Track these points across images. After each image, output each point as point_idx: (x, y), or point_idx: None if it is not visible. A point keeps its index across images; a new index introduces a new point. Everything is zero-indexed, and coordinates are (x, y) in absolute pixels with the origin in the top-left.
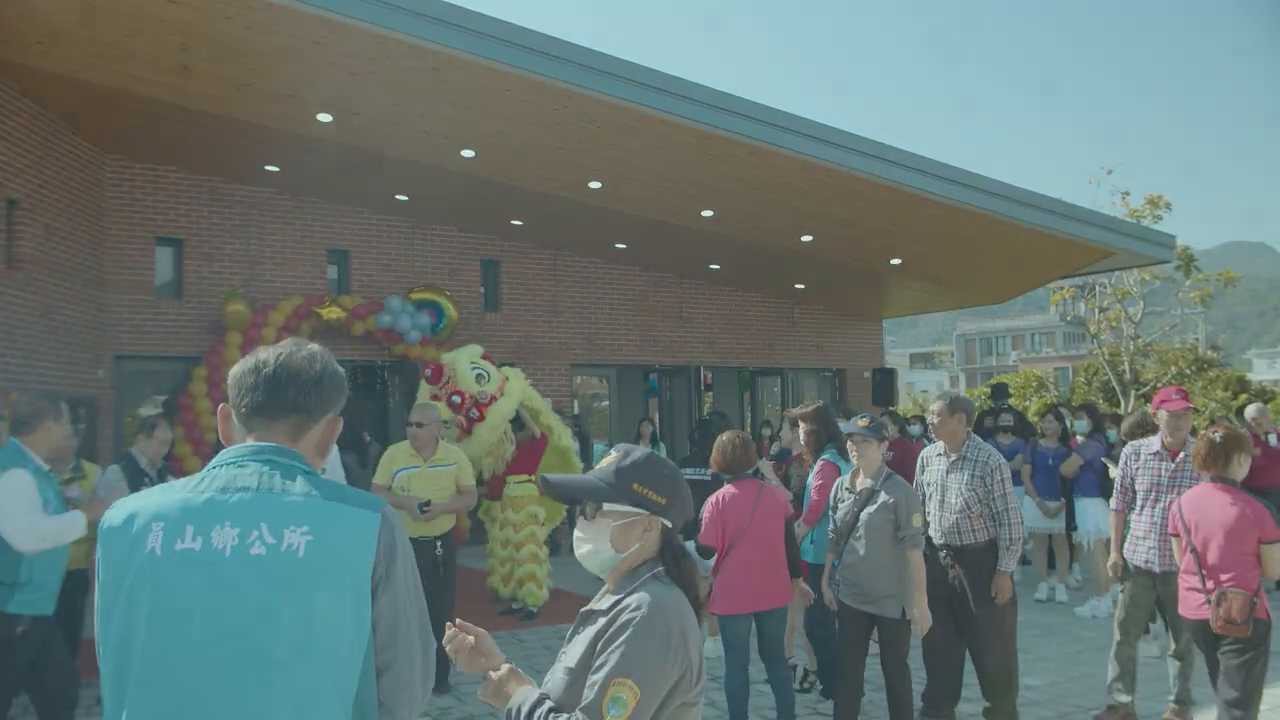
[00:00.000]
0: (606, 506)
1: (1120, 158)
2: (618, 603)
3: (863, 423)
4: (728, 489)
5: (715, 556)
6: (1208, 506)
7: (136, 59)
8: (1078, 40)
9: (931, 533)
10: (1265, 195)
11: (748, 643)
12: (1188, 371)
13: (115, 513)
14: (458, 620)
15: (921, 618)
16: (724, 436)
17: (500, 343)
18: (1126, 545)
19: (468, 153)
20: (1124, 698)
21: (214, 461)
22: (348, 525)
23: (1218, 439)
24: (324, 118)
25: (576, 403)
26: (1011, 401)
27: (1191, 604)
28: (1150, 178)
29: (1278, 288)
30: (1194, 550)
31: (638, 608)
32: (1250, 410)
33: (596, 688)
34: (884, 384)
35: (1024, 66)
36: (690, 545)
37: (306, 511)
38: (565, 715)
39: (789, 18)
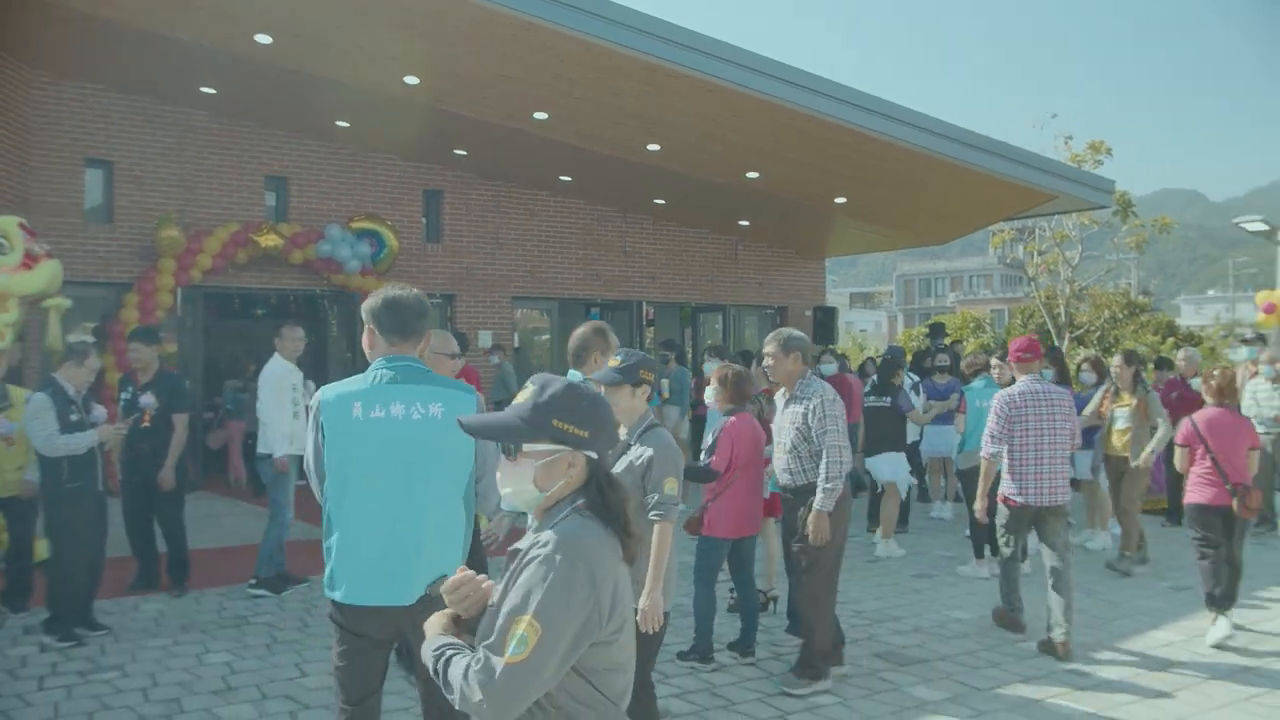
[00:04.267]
0: (526, 447)
1: (1062, 103)
2: (535, 539)
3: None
4: (734, 420)
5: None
6: (1222, 425)
7: None
8: None
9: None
10: (1200, 146)
11: (719, 565)
12: (1120, 315)
13: (329, 394)
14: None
15: (652, 610)
16: (728, 370)
17: (442, 273)
18: (1015, 486)
19: (411, 79)
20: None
21: (374, 365)
22: (461, 400)
23: (1231, 374)
24: (262, 39)
25: (517, 335)
26: (947, 341)
27: (1208, 494)
28: (1091, 122)
29: (1208, 235)
30: (1212, 455)
31: (544, 545)
32: (1181, 355)
33: (499, 626)
34: (825, 322)
35: (971, 10)
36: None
37: (437, 394)
38: (465, 656)
39: None
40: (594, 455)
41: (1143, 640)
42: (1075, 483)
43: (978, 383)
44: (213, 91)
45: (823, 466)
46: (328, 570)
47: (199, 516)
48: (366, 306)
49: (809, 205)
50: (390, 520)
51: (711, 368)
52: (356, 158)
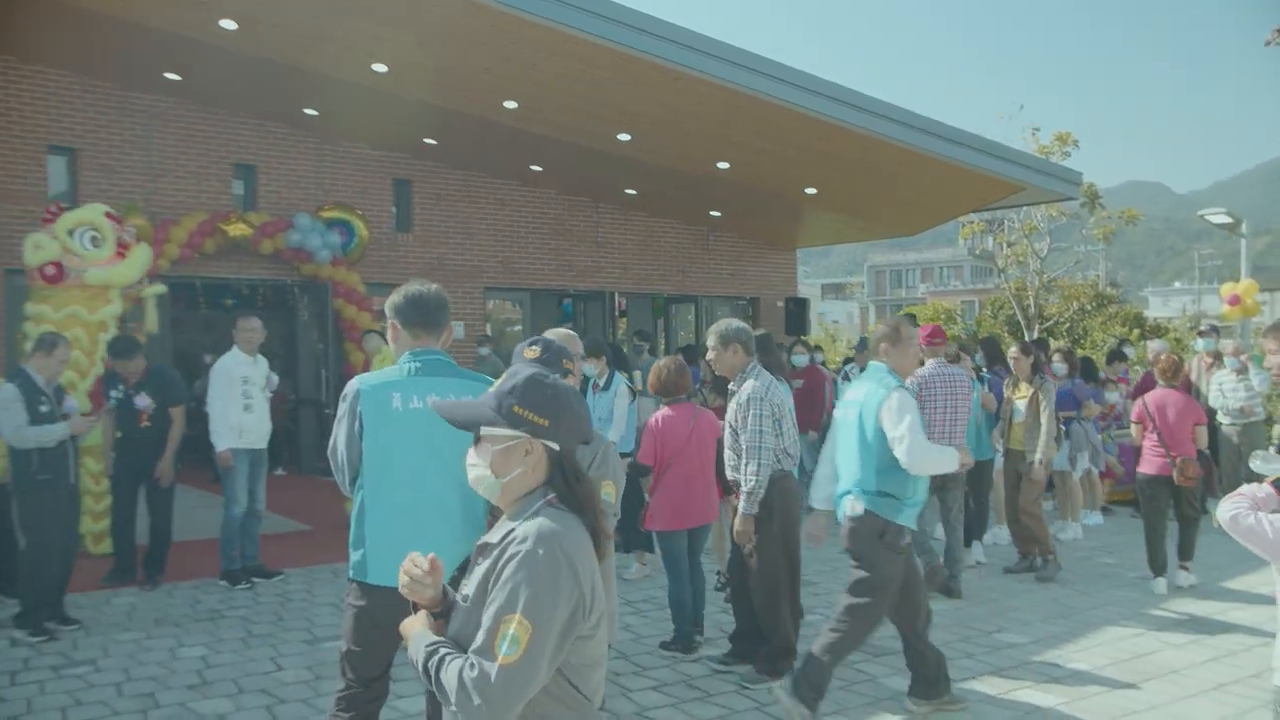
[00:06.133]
0: (484, 430)
1: (1030, 94)
2: (509, 534)
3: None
4: (664, 411)
5: (651, 475)
6: (1167, 404)
7: None
8: None
9: None
10: (1165, 138)
11: (685, 555)
12: (1088, 307)
13: (367, 384)
14: (432, 557)
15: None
16: (661, 362)
17: (413, 264)
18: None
19: (380, 67)
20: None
21: (404, 358)
22: (479, 390)
23: (1178, 359)
24: (228, 24)
25: (490, 326)
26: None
27: (1155, 465)
28: (1059, 115)
29: (1174, 227)
30: (1158, 431)
31: (524, 539)
32: (1154, 345)
33: (487, 627)
34: (797, 313)
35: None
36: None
37: (464, 385)
38: (458, 659)
39: None
40: (554, 446)
41: (1114, 630)
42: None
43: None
44: (178, 78)
45: (742, 467)
46: (358, 555)
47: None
48: (389, 302)
49: (780, 196)
50: (426, 507)
51: (590, 368)
52: (325, 146)
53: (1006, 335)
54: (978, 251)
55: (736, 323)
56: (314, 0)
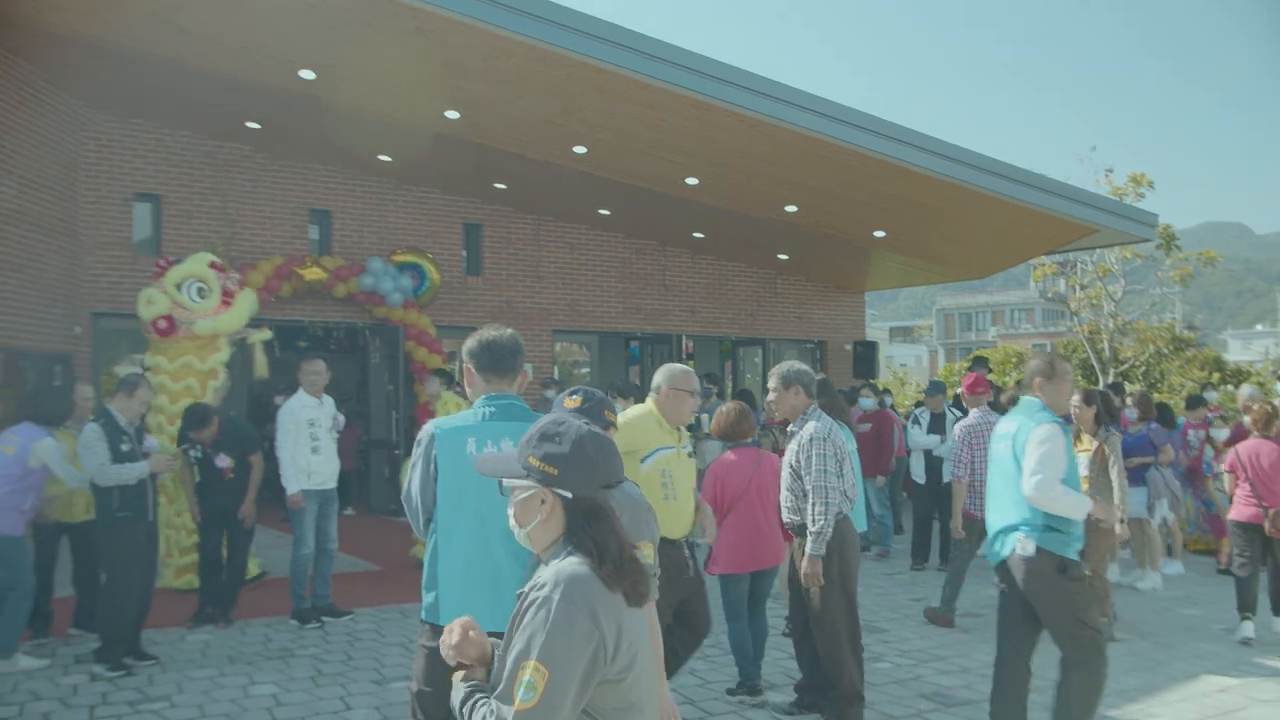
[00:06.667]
0: (507, 481)
1: (1105, 135)
2: (535, 580)
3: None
4: (727, 455)
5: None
6: (1260, 453)
7: (116, 9)
8: (1068, 20)
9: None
10: (1244, 177)
11: (745, 599)
12: (1165, 350)
13: (442, 428)
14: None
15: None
16: (724, 406)
17: (482, 307)
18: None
19: (452, 114)
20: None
21: (479, 403)
22: None
23: (1270, 409)
24: (306, 75)
25: (557, 369)
26: (991, 377)
27: (1247, 513)
28: (1132, 156)
29: (1254, 269)
30: (1250, 481)
31: (542, 586)
32: (1245, 392)
33: (507, 673)
34: (865, 356)
35: (1012, 44)
36: None
37: None
38: (486, 704)
39: None
40: (567, 494)
41: (1199, 685)
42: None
43: None
44: (257, 126)
45: (809, 509)
46: (430, 597)
47: None
48: (465, 347)
49: (848, 239)
50: (497, 551)
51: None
52: (398, 191)
53: (1081, 380)
54: (1050, 294)
55: (798, 365)
56: (389, 51)
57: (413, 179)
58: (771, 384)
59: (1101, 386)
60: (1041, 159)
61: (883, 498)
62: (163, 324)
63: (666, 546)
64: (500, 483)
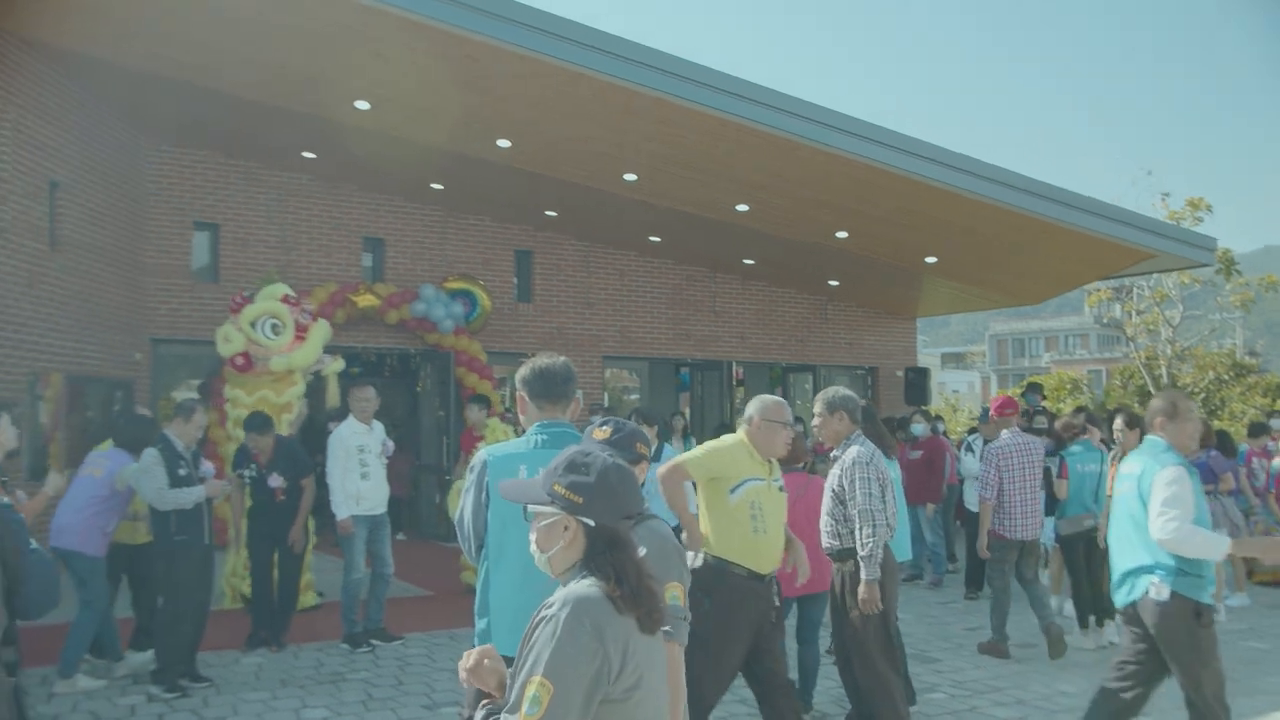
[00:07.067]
0: (531, 508)
1: (1161, 159)
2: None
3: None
4: None
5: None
6: None
7: (177, 43)
8: (1120, 44)
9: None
10: None
11: (785, 625)
12: (1225, 377)
13: (494, 455)
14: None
15: None
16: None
17: (533, 333)
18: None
19: (503, 143)
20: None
21: (532, 430)
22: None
23: None
24: (361, 105)
25: (607, 395)
26: (1045, 403)
27: None
28: (1190, 179)
29: None
30: None
31: (551, 605)
32: None
33: (516, 687)
34: (917, 383)
35: (1066, 67)
36: None
37: None
38: (497, 716)
39: (825, 13)
40: (589, 522)
41: None
42: None
43: (1076, 447)
44: (313, 156)
45: (857, 533)
46: (483, 624)
47: None
48: (519, 374)
49: (899, 265)
50: (547, 577)
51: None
52: (450, 219)
53: (1137, 406)
54: (1105, 320)
55: (843, 390)
56: (442, 81)
57: (465, 207)
58: (816, 409)
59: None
60: (1089, 183)
61: (935, 526)
62: (240, 361)
63: (753, 581)
64: (525, 508)
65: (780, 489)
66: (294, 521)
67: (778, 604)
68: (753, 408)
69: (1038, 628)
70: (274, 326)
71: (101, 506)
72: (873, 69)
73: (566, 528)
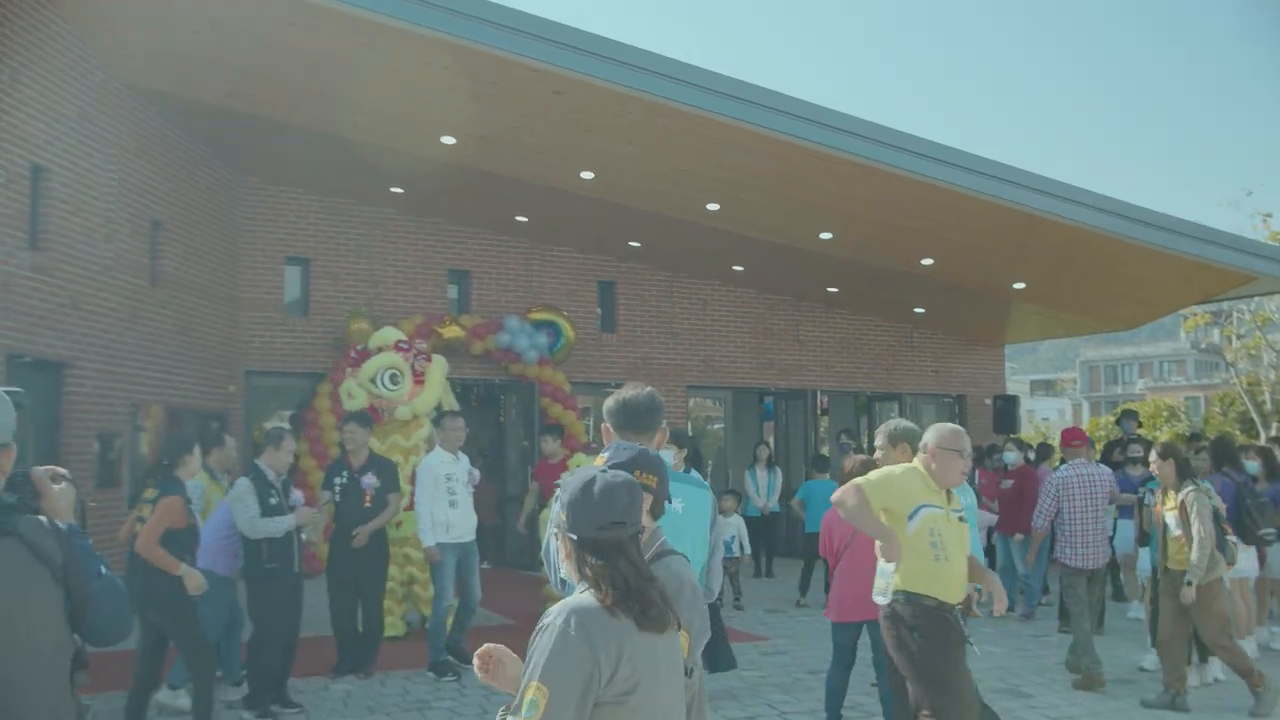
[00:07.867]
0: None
1: (1260, 179)
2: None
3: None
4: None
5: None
6: None
7: (272, 84)
8: (1217, 61)
9: None
10: None
11: (854, 647)
12: None
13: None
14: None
15: None
16: (849, 459)
17: (616, 363)
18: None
19: (587, 174)
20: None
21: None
22: (698, 495)
23: None
24: (448, 140)
25: (691, 425)
26: (1140, 431)
27: None
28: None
29: None
30: None
31: (548, 613)
32: None
33: (519, 691)
34: (1006, 411)
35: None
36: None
37: (676, 489)
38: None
39: (889, 33)
40: (573, 536)
41: None
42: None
43: None
44: (401, 191)
45: None
46: None
47: None
48: (605, 406)
49: (986, 291)
50: None
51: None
52: (534, 250)
53: (1239, 433)
54: (1203, 345)
55: (905, 423)
56: (526, 115)
57: (549, 238)
58: (879, 441)
59: (1263, 441)
60: (1189, 206)
61: (1023, 555)
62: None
63: (940, 611)
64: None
65: (960, 519)
66: (370, 520)
67: (967, 635)
68: (930, 436)
69: (1131, 665)
70: (393, 377)
71: (231, 530)
72: (936, 101)
73: (567, 544)
